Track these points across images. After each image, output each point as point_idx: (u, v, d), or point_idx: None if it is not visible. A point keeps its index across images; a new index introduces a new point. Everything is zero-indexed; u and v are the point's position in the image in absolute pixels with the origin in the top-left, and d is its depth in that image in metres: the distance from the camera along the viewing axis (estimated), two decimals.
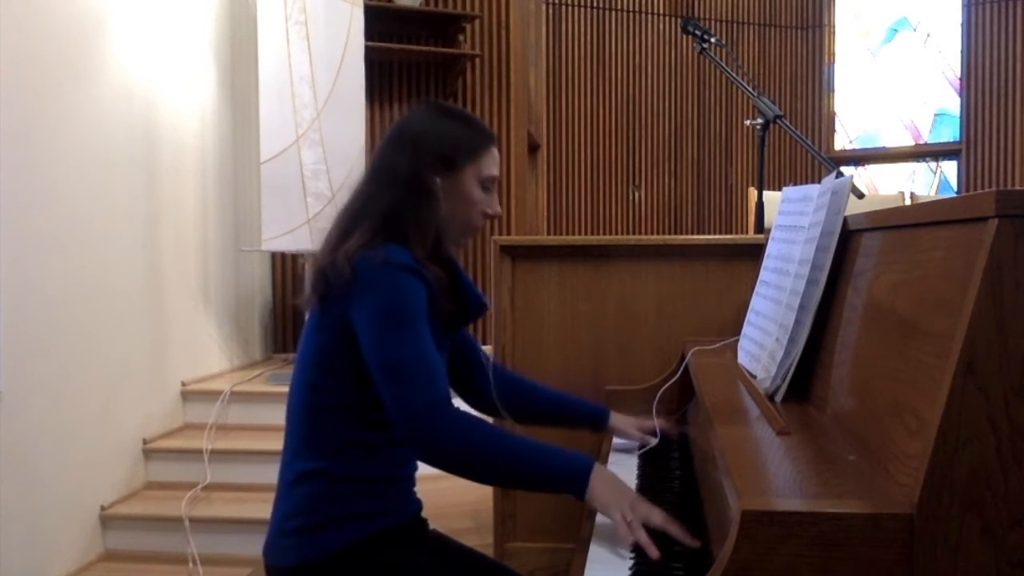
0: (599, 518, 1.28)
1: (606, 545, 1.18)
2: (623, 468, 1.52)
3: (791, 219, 1.53)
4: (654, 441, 1.61)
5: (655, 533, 1.14)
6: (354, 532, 1.32)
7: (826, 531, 0.80)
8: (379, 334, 1.26)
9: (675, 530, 1.13)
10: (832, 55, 7.00)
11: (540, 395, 1.66)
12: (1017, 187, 4.19)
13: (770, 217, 2.62)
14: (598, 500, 1.19)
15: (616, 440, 1.71)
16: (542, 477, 1.24)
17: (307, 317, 1.41)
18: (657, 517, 1.15)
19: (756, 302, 1.65)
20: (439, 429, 1.22)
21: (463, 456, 1.23)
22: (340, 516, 1.32)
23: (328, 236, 1.40)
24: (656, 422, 1.65)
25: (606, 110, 6.64)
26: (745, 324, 1.66)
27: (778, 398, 1.29)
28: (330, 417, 1.34)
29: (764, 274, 1.64)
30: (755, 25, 6.90)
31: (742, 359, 1.59)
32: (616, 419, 1.65)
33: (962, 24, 6.52)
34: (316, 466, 1.34)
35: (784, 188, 1.66)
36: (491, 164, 1.43)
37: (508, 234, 4.61)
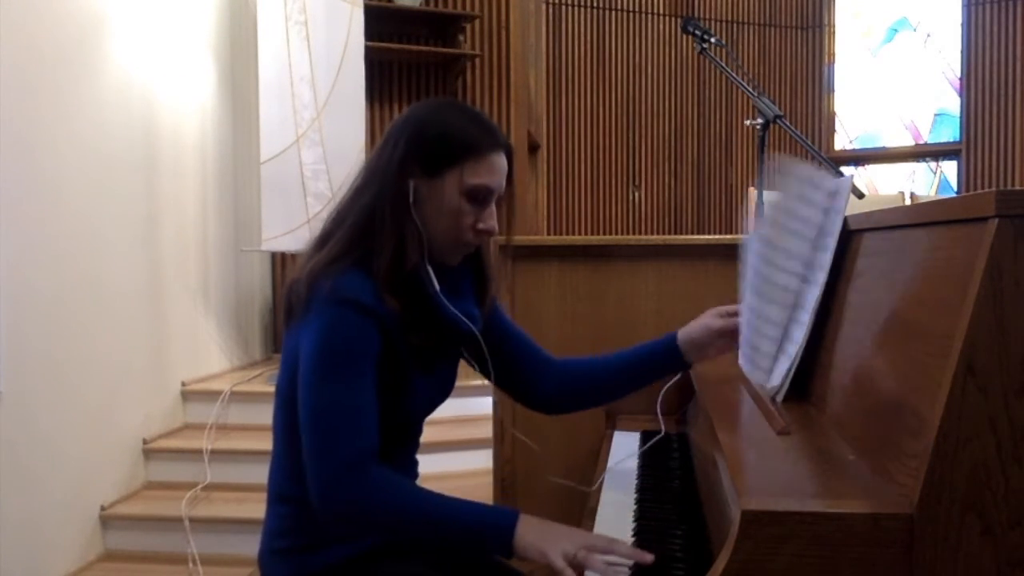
0: (598, 520, 1.28)
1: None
2: (623, 468, 1.52)
3: (796, 209, 1.52)
4: (735, 321, 1.40)
5: (655, 540, 1.13)
6: (345, 551, 1.28)
7: (826, 531, 0.80)
8: (309, 376, 1.16)
9: (622, 550, 1.05)
10: (832, 55, 7.00)
11: (609, 363, 1.47)
12: (1017, 187, 4.19)
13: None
14: (531, 548, 1.06)
15: (617, 433, 1.71)
16: (461, 537, 1.13)
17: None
18: (600, 542, 1.06)
19: (752, 300, 1.64)
20: (348, 493, 1.12)
21: (372, 520, 1.15)
22: (329, 537, 1.28)
23: (312, 240, 1.30)
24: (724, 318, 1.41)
25: (606, 110, 6.63)
26: (743, 325, 1.65)
27: (779, 398, 1.29)
28: None
29: (757, 269, 1.64)
30: (755, 25, 6.89)
31: (742, 360, 1.58)
32: (685, 335, 1.41)
33: (962, 24, 6.52)
34: (298, 491, 1.27)
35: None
36: (483, 172, 1.23)
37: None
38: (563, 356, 1.51)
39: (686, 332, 1.42)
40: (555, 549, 1.04)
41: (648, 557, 1.03)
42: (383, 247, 1.21)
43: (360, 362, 1.16)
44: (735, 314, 1.41)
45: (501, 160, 1.26)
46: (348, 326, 1.17)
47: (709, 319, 1.42)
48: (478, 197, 1.24)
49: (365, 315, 1.17)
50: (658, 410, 1.67)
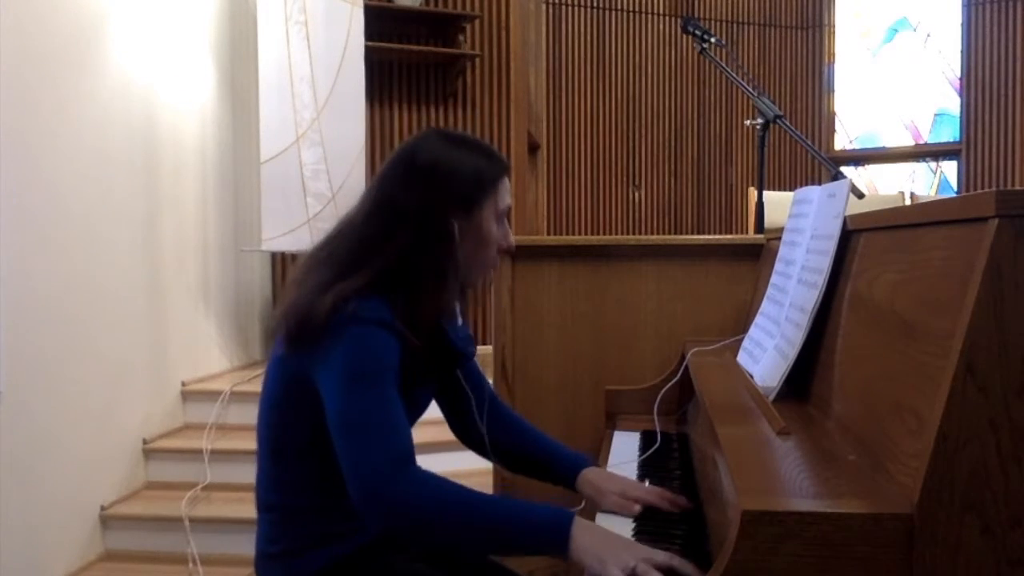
0: (598, 519, 1.27)
1: None
2: (623, 470, 1.52)
3: (797, 222, 1.53)
4: (637, 508, 1.29)
5: (655, 540, 1.13)
6: (339, 549, 1.30)
7: (826, 531, 0.80)
8: (340, 389, 1.17)
9: (687, 567, 1.00)
10: (832, 55, 7.00)
11: (527, 437, 1.52)
12: (1017, 187, 4.18)
13: (770, 217, 2.62)
14: (588, 555, 1.04)
15: (617, 433, 1.71)
16: (516, 536, 1.10)
17: (275, 343, 1.32)
18: (661, 556, 1.02)
19: (763, 304, 1.65)
20: (397, 489, 1.10)
21: (424, 518, 1.10)
22: (321, 537, 1.30)
23: (313, 260, 1.29)
24: (647, 494, 1.31)
25: (606, 110, 6.63)
26: (752, 326, 1.66)
27: (771, 397, 1.29)
28: (293, 456, 1.30)
29: (773, 276, 1.65)
30: (755, 25, 6.89)
31: (742, 359, 1.59)
32: (590, 478, 1.40)
33: (962, 24, 6.52)
34: (286, 501, 1.32)
35: (796, 190, 1.66)
36: (506, 195, 1.34)
37: None
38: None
39: (588, 480, 1.41)
40: (614, 558, 1.02)
41: None
42: (424, 292, 1.26)
43: (388, 373, 1.20)
44: (636, 500, 1.32)
45: (507, 178, 1.37)
46: (376, 341, 1.21)
47: (609, 497, 1.34)
48: (503, 219, 1.34)
49: (389, 332, 1.22)
50: (655, 414, 1.67)
